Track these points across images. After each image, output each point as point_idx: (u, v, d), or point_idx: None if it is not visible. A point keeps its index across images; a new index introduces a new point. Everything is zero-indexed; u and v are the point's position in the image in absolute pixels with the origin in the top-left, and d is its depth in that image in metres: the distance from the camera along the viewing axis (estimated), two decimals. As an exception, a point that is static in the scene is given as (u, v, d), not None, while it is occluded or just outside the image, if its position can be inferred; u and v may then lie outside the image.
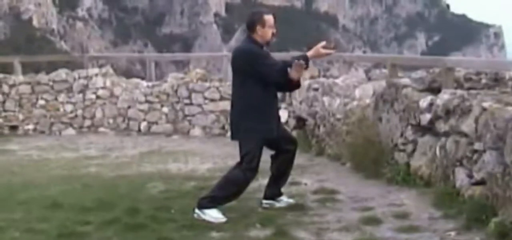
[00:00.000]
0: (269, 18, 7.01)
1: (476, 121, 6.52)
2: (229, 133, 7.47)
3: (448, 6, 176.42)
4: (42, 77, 16.54)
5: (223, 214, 6.85)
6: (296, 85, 7.16)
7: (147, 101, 15.65)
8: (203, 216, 6.84)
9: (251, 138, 6.91)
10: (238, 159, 7.04)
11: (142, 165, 11.12)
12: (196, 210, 6.91)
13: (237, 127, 7.03)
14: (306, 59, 6.91)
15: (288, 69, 6.79)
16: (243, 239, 6.34)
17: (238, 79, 7.04)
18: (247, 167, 6.90)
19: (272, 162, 7.36)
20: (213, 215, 6.82)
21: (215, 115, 14.94)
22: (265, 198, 7.39)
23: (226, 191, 6.99)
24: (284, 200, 7.40)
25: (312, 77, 13.08)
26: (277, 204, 7.32)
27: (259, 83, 6.84)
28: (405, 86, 8.61)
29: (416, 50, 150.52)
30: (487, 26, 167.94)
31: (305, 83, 12.81)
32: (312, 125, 12.11)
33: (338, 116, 10.79)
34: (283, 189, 7.53)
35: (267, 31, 6.97)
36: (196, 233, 6.47)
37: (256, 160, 6.91)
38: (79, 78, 16.22)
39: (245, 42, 7.21)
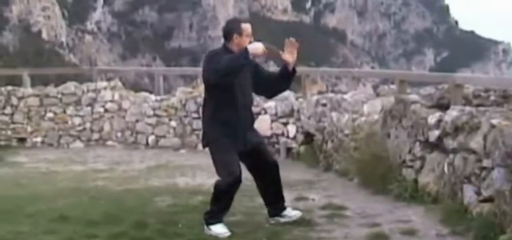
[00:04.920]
0: (246, 26, 6.86)
1: (485, 138, 6.50)
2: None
3: (456, 22, 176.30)
4: (51, 89, 16.60)
5: (229, 228, 6.84)
6: (291, 81, 7.07)
7: (155, 115, 15.68)
8: (209, 232, 6.83)
9: (217, 146, 6.84)
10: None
11: (149, 179, 11.12)
12: (204, 226, 6.90)
13: (204, 136, 7.05)
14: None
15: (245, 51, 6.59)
16: (250, 254, 6.33)
17: (206, 86, 6.97)
18: (224, 174, 6.77)
19: (256, 184, 7.25)
20: (217, 230, 6.80)
21: (223, 130, 14.92)
22: (270, 216, 7.32)
23: (218, 203, 6.90)
24: (288, 214, 7.24)
25: (320, 92, 13.08)
26: (282, 220, 7.23)
27: (222, 91, 6.69)
28: (413, 102, 8.60)
29: (424, 66, 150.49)
30: (496, 42, 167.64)
31: (313, 99, 12.82)
32: (320, 141, 12.11)
33: (346, 131, 10.78)
34: (288, 203, 7.47)
35: (244, 39, 6.78)
36: (203, 248, 6.47)
37: (230, 166, 6.73)
38: (88, 91, 16.28)
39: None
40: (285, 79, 7.03)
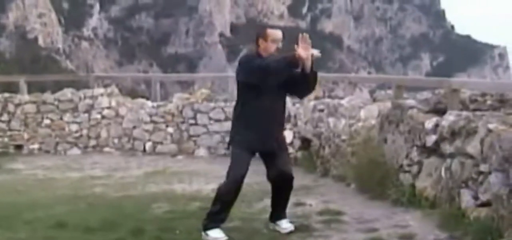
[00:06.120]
0: (273, 32, 6.99)
1: (482, 142, 6.51)
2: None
3: (453, 27, 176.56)
4: (48, 96, 16.57)
5: (226, 234, 6.84)
6: (312, 81, 7.00)
7: (152, 121, 15.67)
8: (206, 237, 6.83)
9: (234, 147, 6.93)
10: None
11: (147, 185, 11.11)
12: (202, 232, 6.91)
13: (230, 135, 7.14)
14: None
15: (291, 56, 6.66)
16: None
17: (237, 89, 7.09)
18: (229, 174, 6.85)
19: (271, 188, 7.27)
20: (214, 235, 6.82)
21: (220, 136, 14.94)
22: (271, 219, 7.33)
23: (218, 204, 6.94)
24: (280, 225, 7.19)
25: (317, 98, 13.08)
26: (277, 228, 7.23)
27: (250, 92, 6.81)
28: (410, 107, 8.60)
29: (420, 71, 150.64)
30: (492, 47, 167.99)
31: (309, 104, 12.82)
32: (317, 146, 12.10)
33: (343, 137, 10.78)
34: (287, 210, 7.47)
35: (270, 45, 6.89)
36: (201, 254, 6.47)
37: (236, 167, 6.81)
38: (85, 97, 16.26)
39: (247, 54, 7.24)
40: (303, 82, 6.96)
